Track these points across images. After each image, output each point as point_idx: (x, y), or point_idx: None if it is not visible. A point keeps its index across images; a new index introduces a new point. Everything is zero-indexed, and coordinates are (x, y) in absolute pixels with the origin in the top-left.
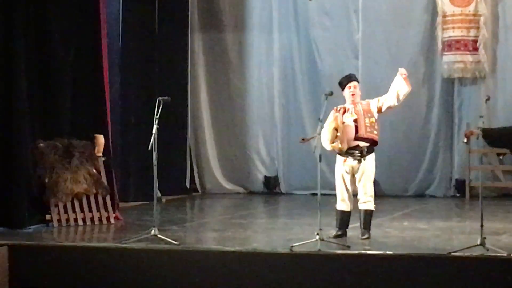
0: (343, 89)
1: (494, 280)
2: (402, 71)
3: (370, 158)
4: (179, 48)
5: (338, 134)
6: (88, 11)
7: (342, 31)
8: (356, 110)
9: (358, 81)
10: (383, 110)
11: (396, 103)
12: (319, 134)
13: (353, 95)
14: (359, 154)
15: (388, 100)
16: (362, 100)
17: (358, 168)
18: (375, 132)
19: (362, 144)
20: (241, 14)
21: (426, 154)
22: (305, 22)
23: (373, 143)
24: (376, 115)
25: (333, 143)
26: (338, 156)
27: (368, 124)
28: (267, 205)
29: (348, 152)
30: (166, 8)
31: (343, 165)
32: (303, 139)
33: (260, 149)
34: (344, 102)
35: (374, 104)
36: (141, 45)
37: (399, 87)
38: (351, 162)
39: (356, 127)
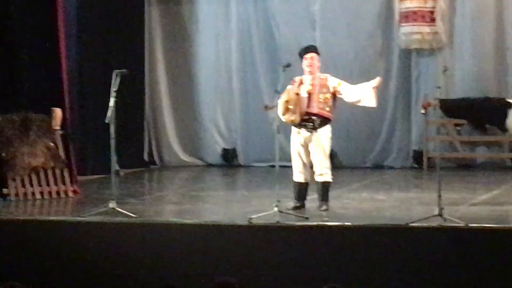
0: (302, 60)
1: (451, 250)
2: (375, 83)
3: (324, 130)
4: (136, 20)
5: (290, 106)
6: None
7: (300, 2)
8: (312, 83)
9: (317, 53)
10: (336, 96)
11: (349, 102)
12: (271, 108)
13: (309, 66)
14: (312, 126)
15: (347, 95)
16: (322, 72)
17: (311, 140)
18: (327, 109)
19: (314, 116)
20: None
21: (384, 126)
22: None
23: (326, 119)
24: (331, 91)
25: (285, 115)
26: (293, 128)
27: (321, 100)
28: (225, 177)
29: (301, 123)
30: None
31: (297, 137)
32: (265, 107)
33: (218, 121)
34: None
35: (333, 82)
36: (97, 17)
37: (365, 98)
38: (304, 133)
39: (309, 99)
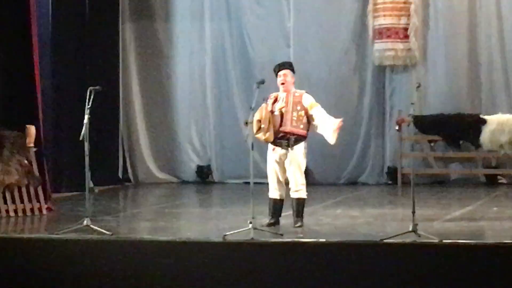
0: (277, 77)
1: (426, 266)
2: (336, 125)
3: (299, 147)
4: (110, 37)
5: (262, 125)
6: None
7: (274, 19)
8: (286, 100)
9: (292, 69)
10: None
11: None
12: (251, 122)
13: (283, 83)
14: (286, 144)
15: (313, 121)
16: (297, 88)
17: (287, 156)
18: (302, 126)
19: (289, 134)
20: (172, 3)
21: (358, 142)
22: (237, 10)
23: (300, 136)
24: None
25: (257, 134)
26: (269, 145)
27: (295, 118)
28: (200, 194)
29: (276, 141)
30: None
31: (272, 154)
32: (245, 123)
33: (192, 138)
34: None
35: (307, 101)
36: (72, 35)
37: (326, 133)
38: (279, 150)
39: (283, 117)
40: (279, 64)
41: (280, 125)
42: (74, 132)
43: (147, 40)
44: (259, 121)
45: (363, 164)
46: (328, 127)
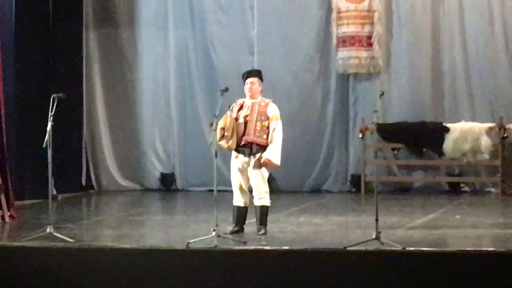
0: (244, 84)
1: (389, 273)
2: (265, 160)
3: (261, 155)
4: (74, 45)
5: (226, 134)
6: None
7: (238, 27)
8: (252, 108)
9: (260, 77)
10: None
11: None
12: (215, 130)
13: (249, 90)
14: (249, 152)
15: (270, 139)
16: (264, 97)
17: (250, 164)
18: (264, 137)
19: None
20: (136, 10)
21: (322, 150)
22: (201, 18)
23: (262, 146)
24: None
25: (220, 141)
26: (232, 152)
27: (258, 128)
28: (163, 202)
29: (239, 149)
30: (61, 4)
31: (236, 161)
32: (211, 124)
33: (156, 145)
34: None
35: (271, 111)
36: (35, 42)
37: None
38: (242, 158)
39: (246, 126)
40: (247, 72)
41: (243, 134)
42: (37, 140)
43: (111, 48)
44: (223, 128)
45: (326, 172)
46: (267, 152)
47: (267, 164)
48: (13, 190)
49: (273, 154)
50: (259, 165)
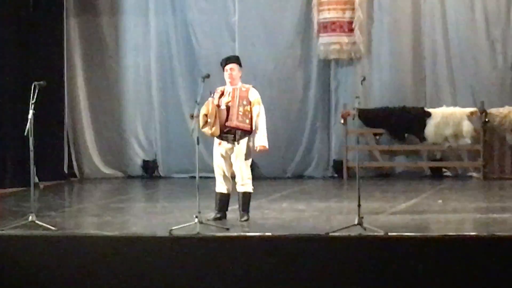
0: (223, 71)
1: (371, 259)
2: (259, 148)
3: (246, 141)
4: (54, 32)
5: (209, 120)
6: None
7: (219, 14)
8: (233, 94)
9: (239, 64)
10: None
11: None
12: (197, 116)
13: (230, 77)
14: (233, 138)
15: (256, 124)
16: (244, 83)
17: (233, 151)
18: (247, 121)
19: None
20: None
21: (304, 136)
22: (182, 5)
23: (246, 131)
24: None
25: (204, 128)
26: (215, 139)
27: (241, 113)
28: (146, 189)
29: (222, 136)
30: None
31: (218, 148)
32: (191, 116)
33: (138, 133)
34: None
35: (253, 96)
36: (16, 30)
37: (256, 139)
38: (225, 145)
39: (229, 112)
40: (226, 58)
41: (226, 120)
42: (19, 127)
43: (92, 35)
44: (206, 115)
45: (308, 158)
46: (257, 138)
47: (261, 151)
48: None
49: (264, 139)
50: (243, 151)
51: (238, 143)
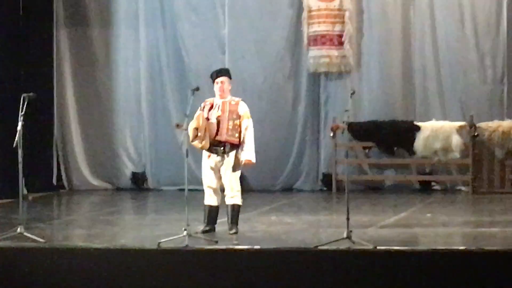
0: (214, 84)
1: (360, 272)
2: (244, 163)
3: (234, 154)
4: (44, 43)
5: (199, 133)
6: None
7: (209, 26)
8: (223, 108)
9: (229, 76)
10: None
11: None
12: (186, 129)
13: (220, 90)
14: (222, 151)
15: (242, 137)
16: (233, 95)
17: (223, 163)
18: (237, 135)
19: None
20: (106, 10)
21: (293, 149)
22: (172, 17)
23: (235, 145)
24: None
25: (194, 141)
26: (204, 152)
27: (230, 127)
28: (135, 201)
29: (212, 148)
30: (31, 3)
31: (208, 161)
32: (177, 125)
33: (127, 145)
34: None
35: (242, 109)
36: (5, 41)
37: (243, 153)
38: (215, 157)
39: (219, 126)
40: (216, 71)
41: (216, 134)
42: (8, 139)
43: (82, 47)
44: (196, 129)
45: (298, 171)
46: (244, 152)
47: (247, 165)
48: None
49: (250, 153)
50: (232, 164)
51: (227, 156)
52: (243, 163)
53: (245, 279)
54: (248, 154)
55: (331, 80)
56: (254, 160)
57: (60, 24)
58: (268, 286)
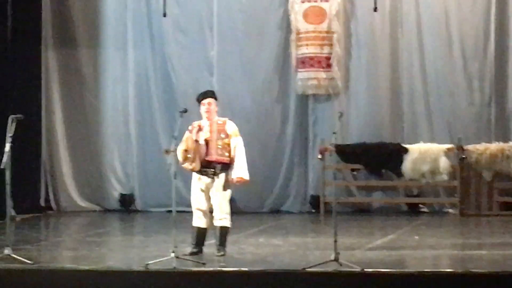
0: (200, 106)
1: None
2: (235, 180)
3: (224, 176)
4: (32, 64)
5: (189, 155)
6: None
7: (197, 48)
8: (210, 129)
9: (215, 98)
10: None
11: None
12: (173, 151)
13: (207, 112)
14: (213, 172)
15: (234, 155)
16: (221, 117)
17: (213, 185)
18: (227, 154)
19: (214, 163)
20: (95, 31)
21: (281, 171)
22: (160, 39)
23: (226, 164)
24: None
25: (184, 164)
26: (194, 173)
27: (220, 146)
28: (122, 223)
29: (202, 170)
30: (19, 24)
31: (198, 182)
32: (166, 151)
33: (115, 166)
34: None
35: (230, 128)
36: None
37: (235, 171)
38: (205, 179)
39: (208, 146)
40: (202, 93)
41: (206, 155)
42: None
43: (71, 68)
44: (186, 151)
45: (286, 193)
46: (233, 170)
47: (240, 183)
48: None
49: (242, 171)
50: (223, 185)
51: (217, 177)
52: (235, 180)
53: None
54: (240, 171)
55: (319, 102)
56: (247, 177)
57: (49, 45)
58: None
